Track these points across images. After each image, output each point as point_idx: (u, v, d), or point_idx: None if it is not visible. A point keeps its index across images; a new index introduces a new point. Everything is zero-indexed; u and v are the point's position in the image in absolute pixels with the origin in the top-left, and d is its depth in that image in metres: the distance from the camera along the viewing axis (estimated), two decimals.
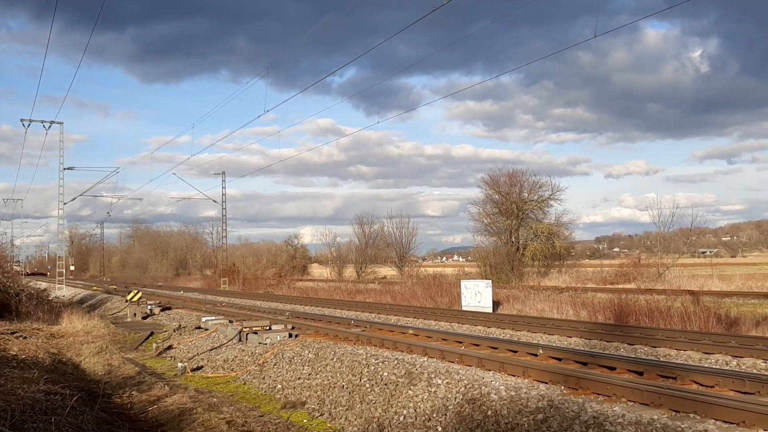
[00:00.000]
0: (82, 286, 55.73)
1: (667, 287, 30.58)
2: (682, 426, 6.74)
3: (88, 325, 21.19)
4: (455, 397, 8.89)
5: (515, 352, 12.54)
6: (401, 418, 9.07)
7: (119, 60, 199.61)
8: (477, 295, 23.44)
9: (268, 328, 16.53)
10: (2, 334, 16.68)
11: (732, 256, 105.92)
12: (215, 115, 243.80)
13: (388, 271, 63.38)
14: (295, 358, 13.23)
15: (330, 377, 11.53)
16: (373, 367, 11.03)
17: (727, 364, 11.38)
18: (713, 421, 6.99)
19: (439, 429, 8.49)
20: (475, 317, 19.68)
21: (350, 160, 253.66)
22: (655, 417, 7.09)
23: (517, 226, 45.39)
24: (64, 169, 43.61)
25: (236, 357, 14.83)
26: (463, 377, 9.45)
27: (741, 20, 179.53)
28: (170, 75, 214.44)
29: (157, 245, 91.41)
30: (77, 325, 21.14)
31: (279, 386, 12.19)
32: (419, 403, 9.19)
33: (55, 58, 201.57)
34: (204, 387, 12.67)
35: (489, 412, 8.16)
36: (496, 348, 13.14)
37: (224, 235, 57.82)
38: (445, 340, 14.80)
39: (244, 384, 12.96)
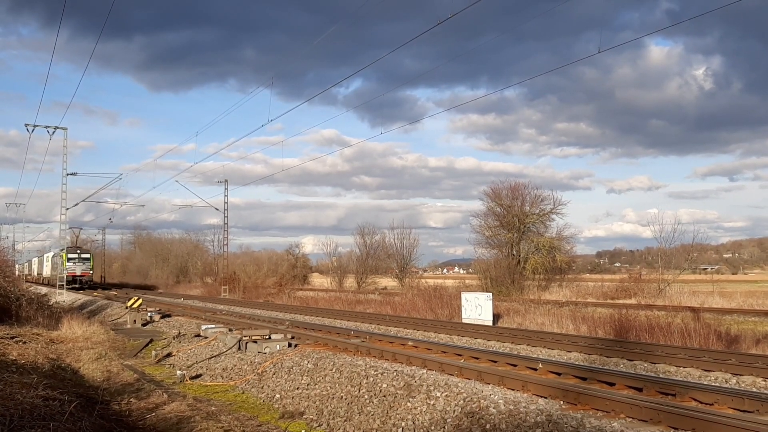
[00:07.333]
0: (82, 292, 55.68)
1: (667, 303, 30.54)
2: None
3: (88, 331, 21.16)
4: (454, 410, 8.87)
5: (515, 365, 12.53)
6: (399, 431, 9.06)
7: (128, 68, 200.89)
8: (477, 308, 23.41)
9: (267, 337, 16.52)
10: (2, 338, 16.69)
11: (733, 273, 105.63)
12: (221, 123, 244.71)
13: (388, 282, 63.26)
14: (294, 368, 13.21)
15: (329, 388, 11.52)
16: (372, 379, 11.02)
17: (726, 381, 11.37)
18: None
19: None
20: (475, 330, 19.65)
21: (354, 170, 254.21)
22: None
23: (519, 239, 45.39)
24: (68, 174, 43.36)
25: (235, 366, 14.82)
26: (462, 390, 9.44)
27: (745, 38, 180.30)
28: (178, 83, 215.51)
29: (158, 252, 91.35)
30: (77, 330, 21.11)
31: (277, 396, 12.17)
32: (418, 416, 9.18)
33: (65, 66, 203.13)
34: (202, 395, 12.65)
35: (488, 426, 8.14)
36: (495, 361, 13.13)
37: (226, 243, 57.82)
38: (444, 352, 14.78)
39: (243, 393, 12.94)
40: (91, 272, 59.48)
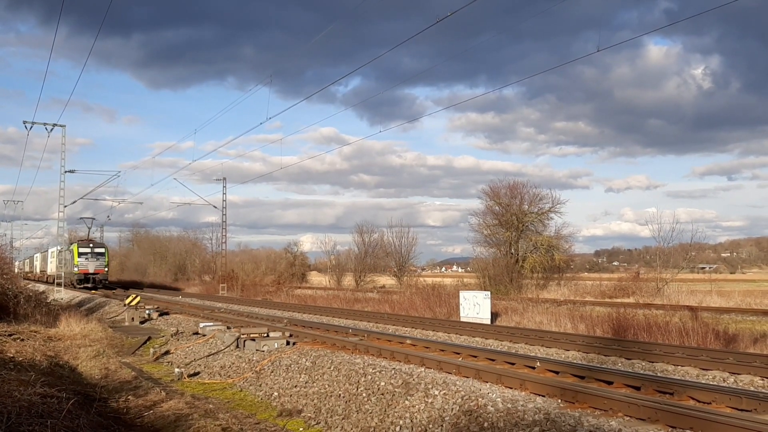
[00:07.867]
0: (80, 289, 55.50)
1: (665, 302, 30.56)
2: None
3: (86, 329, 21.13)
4: (452, 409, 8.88)
5: (513, 364, 12.53)
6: (397, 429, 9.06)
7: (127, 65, 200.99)
8: (475, 307, 23.42)
9: (265, 335, 16.52)
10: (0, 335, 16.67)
11: (731, 272, 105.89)
12: (220, 121, 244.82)
13: (387, 281, 63.28)
14: (292, 366, 13.21)
15: (327, 386, 11.52)
16: (370, 377, 11.02)
17: (724, 380, 11.38)
18: None
19: None
20: (474, 328, 19.65)
21: (353, 168, 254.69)
22: None
23: (517, 237, 45.45)
24: (66, 171, 43.25)
25: (233, 363, 14.81)
26: (460, 388, 9.44)
27: (743, 38, 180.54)
28: (177, 81, 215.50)
29: (157, 250, 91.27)
30: (75, 328, 21.08)
31: (275, 394, 12.17)
32: (416, 414, 9.18)
33: (63, 63, 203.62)
34: (200, 393, 12.65)
35: (485, 424, 8.15)
36: (493, 360, 13.13)
37: (224, 241, 57.75)
38: (442, 350, 14.78)
39: (241, 391, 12.93)
40: (106, 269, 51.86)
